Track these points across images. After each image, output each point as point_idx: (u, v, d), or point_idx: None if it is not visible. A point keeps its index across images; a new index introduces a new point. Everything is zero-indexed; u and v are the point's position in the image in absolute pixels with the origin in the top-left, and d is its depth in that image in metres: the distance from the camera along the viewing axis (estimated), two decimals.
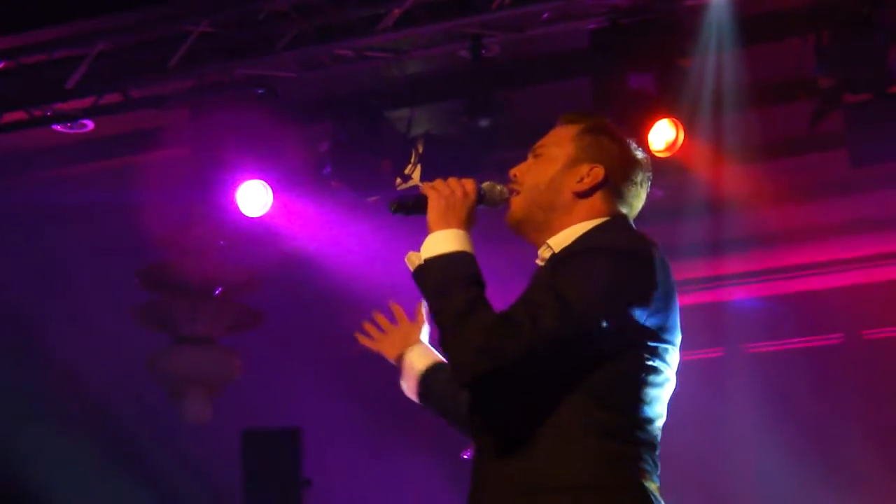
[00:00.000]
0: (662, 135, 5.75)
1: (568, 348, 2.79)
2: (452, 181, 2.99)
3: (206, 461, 7.82)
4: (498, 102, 6.07)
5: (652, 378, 2.87)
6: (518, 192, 3.05)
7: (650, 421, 2.87)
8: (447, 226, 2.92)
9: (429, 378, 3.29)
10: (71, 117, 6.66)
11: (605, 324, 2.81)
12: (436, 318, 2.88)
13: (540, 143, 3.12)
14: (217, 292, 7.40)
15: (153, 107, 6.52)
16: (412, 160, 6.34)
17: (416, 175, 6.31)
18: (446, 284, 2.84)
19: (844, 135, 5.70)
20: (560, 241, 2.99)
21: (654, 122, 5.73)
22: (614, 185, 3.04)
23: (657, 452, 2.88)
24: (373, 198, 6.47)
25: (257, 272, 7.29)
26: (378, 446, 7.93)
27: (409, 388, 3.34)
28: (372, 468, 7.94)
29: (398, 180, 6.36)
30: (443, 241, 2.90)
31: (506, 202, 3.05)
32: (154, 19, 6.29)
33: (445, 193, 2.96)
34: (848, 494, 7.56)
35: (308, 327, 7.79)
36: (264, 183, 6.42)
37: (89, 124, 6.75)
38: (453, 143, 6.25)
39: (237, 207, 6.45)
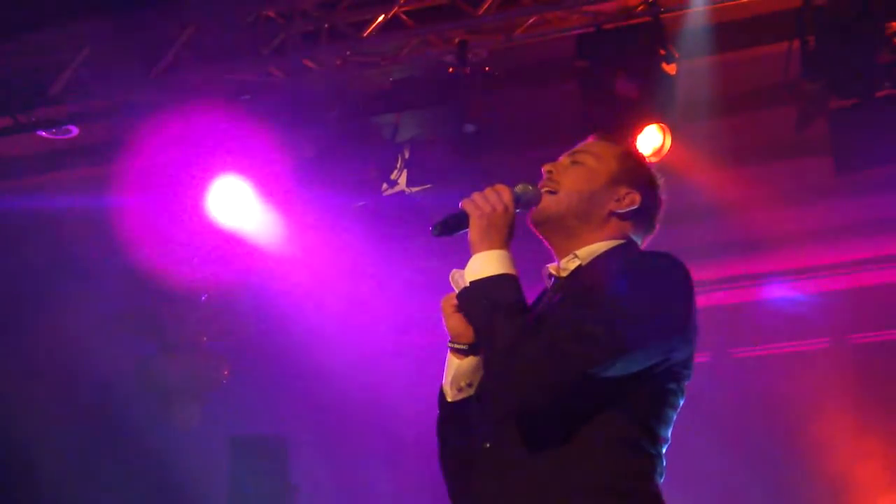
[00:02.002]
0: (649, 140, 5.76)
1: (615, 378, 2.82)
2: (490, 194, 2.96)
3: (194, 467, 7.80)
4: (484, 108, 6.07)
5: (674, 401, 2.96)
6: (555, 192, 3.05)
7: (666, 440, 2.97)
8: (490, 246, 2.90)
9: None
10: (55, 123, 6.65)
11: (652, 356, 2.86)
12: (483, 342, 2.86)
13: (579, 149, 3.12)
14: (203, 299, 7.38)
15: (138, 112, 6.50)
16: (398, 165, 6.34)
17: (403, 180, 6.31)
18: (494, 311, 2.83)
19: (830, 140, 5.71)
20: (587, 254, 3.02)
21: (640, 128, 5.74)
22: (644, 213, 3.11)
23: (663, 464, 2.98)
24: (359, 203, 6.47)
25: (242, 279, 7.27)
26: (362, 453, 7.92)
27: (460, 392, 3.10)
28: (358, 474, 7.93)
29: (384, 185, 6.36)
30: (487, 263, 2.88)
31: (539, 199, 3.04)
32: (139, 25, 6.28)
33: (487, 210, 2.93)
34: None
35: (291, 334, 7.78)
36: (246, 187, 6.41)
37: (74, 130, 6.73)
38: (439, 148, 6.25)
39: (219, 213, 6.44)
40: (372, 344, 7.48)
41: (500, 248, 2.91)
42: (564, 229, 3.05)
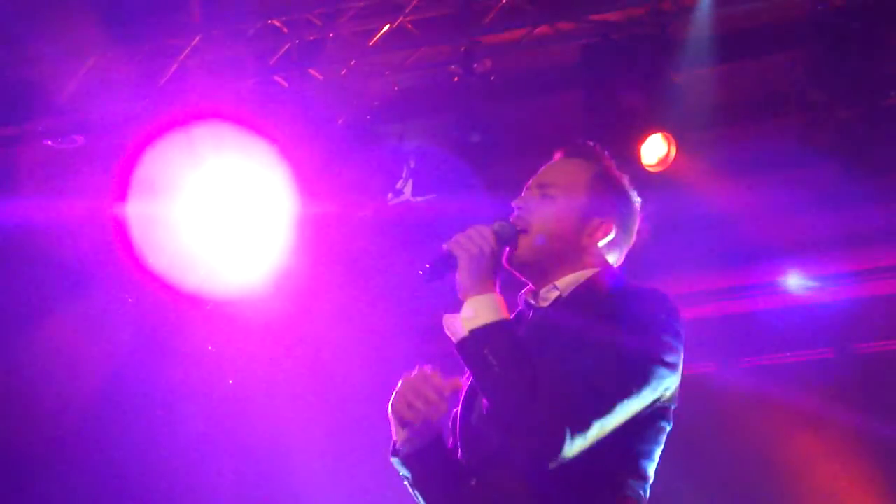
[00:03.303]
0: (654, 149, 5.77)
1: (620, 424, 2.82)
2: (474, 235, 2.93)
3: (197, 474, 7.79)
4: (489, 117, 6.07)
5: (661, 438, 2.96)
6: (526, 232, 3.03)
7: (650, 476, 2.96)
8: (483, 290, 2.88)
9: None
10: (62, 132, 6.65)
11: (651, 399, 2.86)
12: (487, 391, 2.82)
13: (546, 179, 3.09)
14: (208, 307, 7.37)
15: (143, 121, 6.51)
16: (403, 175, 6.34)
17: (408, 189, 6.31)
18: (498, 360, 2.79)
19: (836, 149, 5.71)
20: (566, 284, 3.02)
21: (645, 137, 5.74)
22: (618, 238, 3.10)
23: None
24: (364, 212, 6.47)
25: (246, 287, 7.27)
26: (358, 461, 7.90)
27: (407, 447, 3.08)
28: (354, 481, 7.91)
29: (390, 195, 6.36)
30: (482, 309, 2.85)
31: (515, 240, 3.01)
32: (145, 34, 6.30)
33: (474, 252, 2.91)
34: None
35: (296, 340, 7.78)
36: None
37: (80, 139, 6.74)
38: (444, 157, 6.25)
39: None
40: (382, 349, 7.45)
41: (491, 291, 2.89)
42: (540, 270, 3.05)
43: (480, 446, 2.93)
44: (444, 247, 2.94)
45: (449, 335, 2.89)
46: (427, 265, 2.95)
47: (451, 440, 3.10)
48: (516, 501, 2.85)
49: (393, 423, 3.03)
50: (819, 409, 7.81)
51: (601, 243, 3.07)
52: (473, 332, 2.83)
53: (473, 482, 2.92)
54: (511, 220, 3.04)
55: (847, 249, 7.68)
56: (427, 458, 3.03)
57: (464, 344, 2.85)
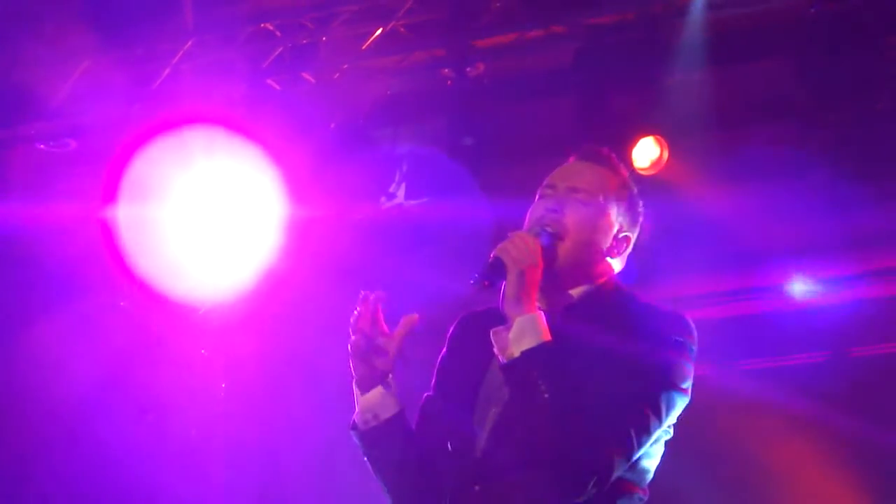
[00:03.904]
0: (647, 152, 5.76)
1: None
2: (520, 244, 2.92)
3: (189, 478, 7.77)
4: (482, 121, 6.07)
5: (662, 450, 3.03)
6: (562, 239, 3.01)
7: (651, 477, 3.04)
8: (530, 307, 2.88)
9: (397, 430, 3.09)
10: (54, 136, 6.64)
11: (669, 423, 2.97)
12: (532, 416, 2.82)
13: (577, 184, 3.06)
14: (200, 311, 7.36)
15: (136, 124, 6.50)
16: (396, 178, 6.34)
17: (401, 193, 6.30)
18: (547, 386, 2.82)
19: (829, 153, 5.71)
20: (579, 293, 3.04)
21: (637, 140, 5.74)
22: (629, 250, 3.14)
23: None
24: (357, 216, 6.46)
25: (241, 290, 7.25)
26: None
27: (367, 424, 3.08)
28: (346, 488, 7.90)
29: (382, 198, 6.36)
30: (531, 329, 2.86)
31: (552, 248, 2.99)
32: (138, 37, 6.29)
33: (523, 267, 2.90)
34: None
35: (290, 343, 7.76)
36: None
37: (72, 143, 6.73)
38: (437, 161, 6.24)
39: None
40: None
41: (536, 309, 2.89)
42: (563, 276, 3.04)
43: (489, 459, 2.93)
44: (494, 254, 2.93)
45: (496, 352, 2.88)
46: (477, 275, 2.93)
47: (422, 423, 3.10)
48: None
49: (353, 361, 3.03)
50: (817, 413, 7.81)
51: (622, 256, 3.10)
52: (525, 354, 2.84)
53: (477, 488, 2.92)
54: (545, 222, 3.02)
55: (843, 253, 7.68)
56: (385, 439, 3.04)
57: (515, 365, 2.85)
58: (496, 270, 2.91)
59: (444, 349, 3.20)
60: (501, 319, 2.94)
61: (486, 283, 2.91)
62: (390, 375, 3.04)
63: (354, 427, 3.06)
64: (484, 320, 3.06)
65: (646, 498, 2.98)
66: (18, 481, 7.70)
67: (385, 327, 3.00)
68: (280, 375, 7.97)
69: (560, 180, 3.09)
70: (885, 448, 7.56)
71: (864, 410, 7.74)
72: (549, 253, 2.97)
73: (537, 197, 3.11)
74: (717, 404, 7.46)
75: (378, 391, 3.03)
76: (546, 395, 2.79)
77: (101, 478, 7.76)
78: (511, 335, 2.86)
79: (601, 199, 3.05)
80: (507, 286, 2.89)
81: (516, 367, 2.84)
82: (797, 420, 7.76)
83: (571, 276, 3.03)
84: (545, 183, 3.12)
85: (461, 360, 3.13)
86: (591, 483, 2.79)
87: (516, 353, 2.84)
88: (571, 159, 3.17)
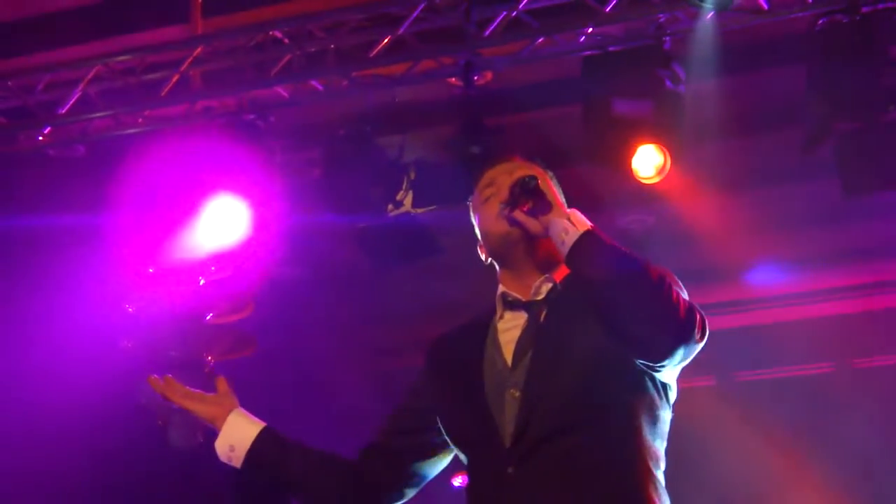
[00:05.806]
0: (650, 161, 5.76)
1: (650, 399, 3.08)
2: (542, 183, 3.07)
3: (191, 485, 7.77)
4: (489, 129, 6.08)
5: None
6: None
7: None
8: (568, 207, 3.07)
9: (267, 446, 3.31)
10: (64, 142, 6.67)
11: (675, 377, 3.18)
12: (622, 277, 2.91)
13: (536, 174, 3.13)
14: (208, 318, 7.37)
15: (145, 132, 6.52)
16: (404, 186, 6.34)
17: (408, 201, 6.31)
18: (626, 252, 2.95)
19: (836, 164, 5.71)
20: (559, 277, 3.12)
21: (641, 148, 5.74)
22: None
23: None
24: (363, 224, 6.47)
25: (247, 297, 7.26)
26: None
27: (236, 452, 3.31)
28: None
29: (390, 206, 6.36)
30: (582, 219, 3.00)
31: (545, 204, 3.09)
32: (147, 45, 6.32)
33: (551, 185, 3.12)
34: None
35: (295, 352, 7.78)
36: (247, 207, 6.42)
37: (81, 149, 6.75)
38: (445, 169, 6.25)
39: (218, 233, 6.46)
40: None
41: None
42: (541, 256, 3.13)
43: (530, 429, 2.95)
44: (525, 178, 3.05)
45: (558, 240, 2.96)
46: (527, 183, 3.03)
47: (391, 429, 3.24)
48: (564, 485, 2.90)
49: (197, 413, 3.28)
50: (817, 424, 7.81)
51: None
52: (591, 231, 2.96)
53: (510, 470, 2.93)
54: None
55: (847, 264, 7.69)
56: (265, 456, 3.25)
57: (588, 235, 2.94)
58: (534, 192, 3.01)
59: (423, 367, 3.25)
60: (474, 333, 3.08)
61: (525, 206, 3.01)
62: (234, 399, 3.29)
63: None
64: (457, 334, 3.17)
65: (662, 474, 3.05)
66: (18, 482, 7.71)
67: (182, 388, 3.36)
68: (282, 382, 7.99)
69: (517, 169, 3.18)
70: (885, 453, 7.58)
71: (867, 421, 7.75)
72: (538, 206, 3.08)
73: (480, 198, 3.22)
74: (712, 415, 7.47)
75: (232, 419, 3.29)
76: (629, 253, 2.93)
77: (101, 478, 7.78)
78: (576, 221, 2.97)
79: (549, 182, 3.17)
80: (551, 198, 3.03)
81: (589, 237, 2.94)
82: (798, 431, 7.77)
83: (547, 255, 3.12)
84: (482, 183, 3.23)
85: (450, 370, 3.17)
86: (699, 319, 2.96)
87: (590, 226, 2.97)
88: (515, 158, 3.26)
